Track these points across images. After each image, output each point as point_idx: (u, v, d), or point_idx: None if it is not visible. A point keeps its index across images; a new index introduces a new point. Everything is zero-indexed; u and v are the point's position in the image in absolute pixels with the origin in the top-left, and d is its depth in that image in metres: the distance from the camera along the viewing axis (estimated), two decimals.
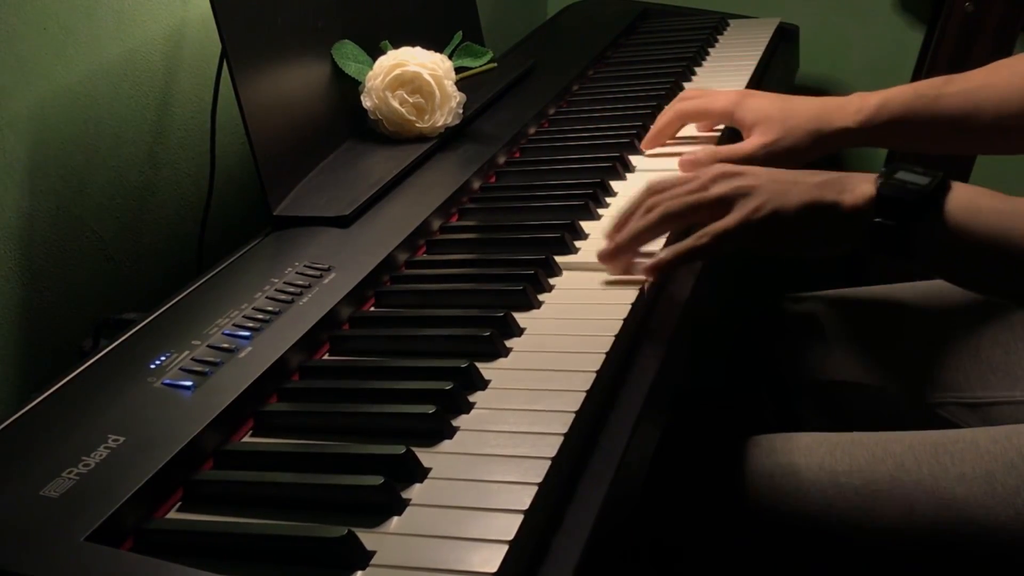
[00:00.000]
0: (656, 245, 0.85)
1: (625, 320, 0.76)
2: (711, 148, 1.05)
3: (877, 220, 0.77)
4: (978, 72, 1.01)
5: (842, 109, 1.03)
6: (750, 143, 1.04)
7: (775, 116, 1.04)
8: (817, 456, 0.87)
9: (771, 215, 0.78)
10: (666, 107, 1.14)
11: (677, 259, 0.79)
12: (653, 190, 0.84)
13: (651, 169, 1.08)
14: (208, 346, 0.73)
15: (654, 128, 1.11)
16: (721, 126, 1.15)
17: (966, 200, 0.77)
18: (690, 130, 1.15)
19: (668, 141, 1.12)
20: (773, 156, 1.02)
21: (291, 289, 0.80)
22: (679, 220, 0.82)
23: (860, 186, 0.78)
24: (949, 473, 0.83)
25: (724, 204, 0.80)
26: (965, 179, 1.60)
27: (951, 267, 0.81)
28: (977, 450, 0.84)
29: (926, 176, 0.78)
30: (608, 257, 0.83)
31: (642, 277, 0.79)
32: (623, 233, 0.83)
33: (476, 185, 1.05)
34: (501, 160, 1.11)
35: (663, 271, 0.79)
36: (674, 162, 1.07)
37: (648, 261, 0.80)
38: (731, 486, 0.88)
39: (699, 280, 0.86)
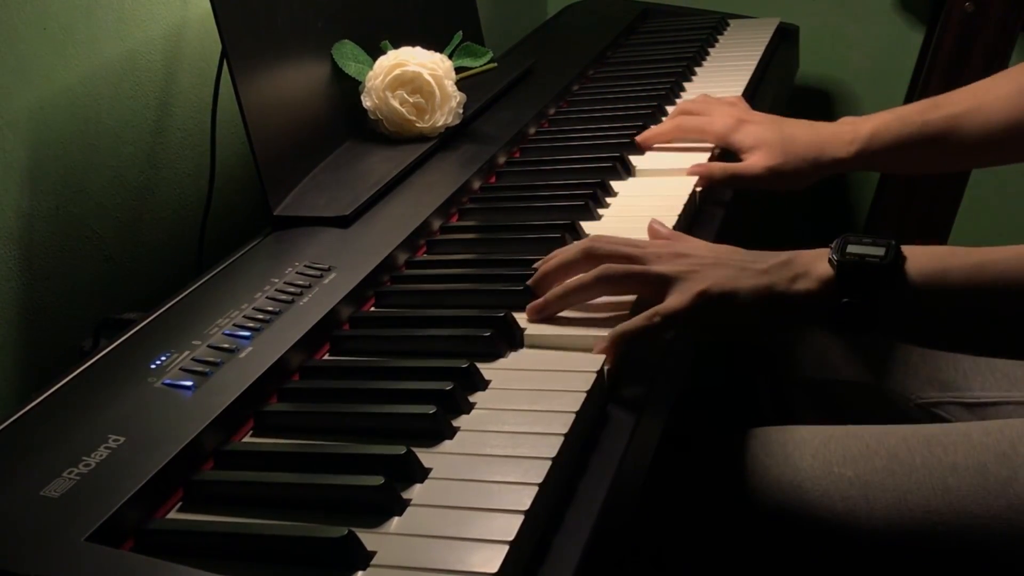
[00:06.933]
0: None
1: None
2: (723, 165, 1.04)
3: (845, 300, 0.74)
4: (962, 93, 1.03)
5: (836, 139, 1.04)
6: (757, 165, 1.04)
7: (774, 143, 1.05)
8: (812, 447, 0.88)
9: (719, 300, 0.74)
10: (672, 111, 1.15)
11: (626, 339, 0.74)
12: (594, 247, 0.80)
13: (652, 168, 1.08)
14: (208, 346, 0.73)
15: (655, 131, 1.12)
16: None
17: (930, 262, 0.74)
18: None
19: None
20: (778, 178, 1.04)
21: (291, 289, 0.80)
22: (615, 288, 0.79)
23: (815, 268, 0.75)
24: (942, 463, 0.84)
25: (664, 283, 0.76)
26: (964, 180, 1.60)
27: (923, 332, 0.79)
28: (969, 442, 0.85)
29: (878, 246, 0.75)
30: (535, 312, 0.78)
31: (600, 356, 0.73)
32: (556, 289, 0.79)
33: (476, 185, 1.05)
34: (501, 160, 1.11)
35: (615, 351, 0.73)
36: (673, 161, 1.07)
37: (602, 342, 0.74)
38: (729, 479, 0.89)
39: None
